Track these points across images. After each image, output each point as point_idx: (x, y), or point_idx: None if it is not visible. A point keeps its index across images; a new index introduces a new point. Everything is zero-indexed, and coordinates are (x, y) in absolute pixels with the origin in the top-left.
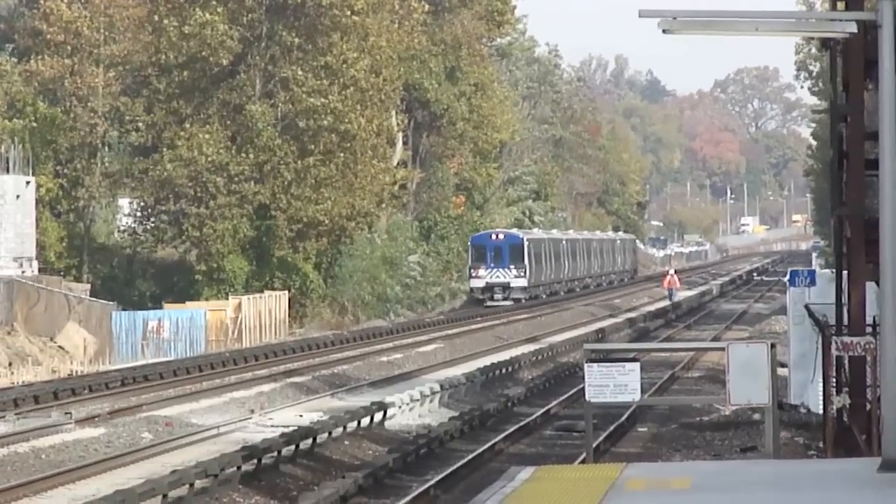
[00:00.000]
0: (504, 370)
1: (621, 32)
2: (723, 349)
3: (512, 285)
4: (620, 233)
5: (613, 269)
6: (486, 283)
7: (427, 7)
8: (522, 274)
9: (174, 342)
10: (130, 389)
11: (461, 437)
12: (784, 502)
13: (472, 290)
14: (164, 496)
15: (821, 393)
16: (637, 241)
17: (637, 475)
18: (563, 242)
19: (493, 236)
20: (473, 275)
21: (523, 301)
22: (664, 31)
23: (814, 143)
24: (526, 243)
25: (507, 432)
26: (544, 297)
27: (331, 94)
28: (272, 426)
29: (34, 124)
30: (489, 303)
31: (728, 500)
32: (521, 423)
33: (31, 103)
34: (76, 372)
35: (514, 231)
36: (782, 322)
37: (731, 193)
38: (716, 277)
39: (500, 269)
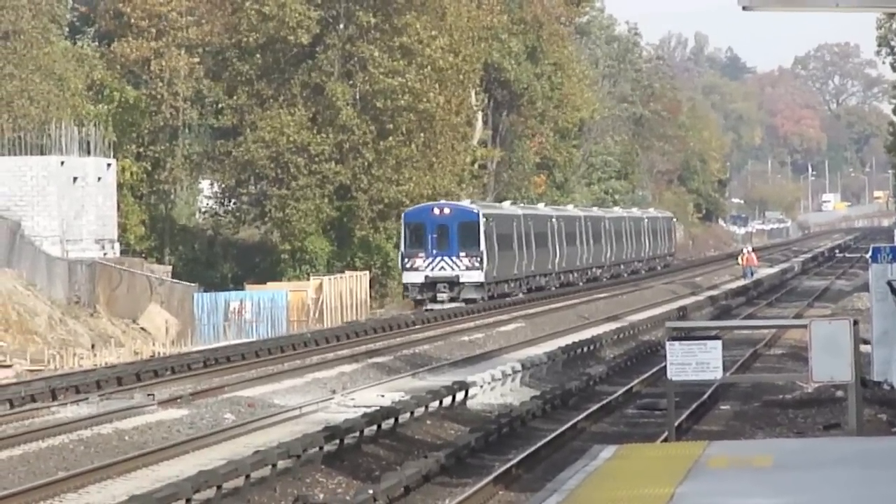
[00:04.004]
0: (585, 349)
1: (701, 9)
2: (805, 326)
3: (462, 280)
4: (651, 209)
5: (639, 255)
6: (426, 276)
7: None
8: (477, 264)
9: (256, 323)
10: (212, 370)
11: (543, 416)
12: (868, 480)
13: (406, 287)
14: (247, 476)
15: None
16: (675, 219)
17: (719, 453)
18: (553, 220)
19: (436, 211)
20: (408, 265)
21: (480, 301)
22: (744, 8)
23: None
24: (482, 220)
25: (588, 411)
26: (521, 294)
27: (408, 73)
28: (354, 406)
29: (120, 109)
30: (430, 305)
31: (811, 478)
32: (603, 402)
33: (118, 87)
34: (158, 353)
35: (466, 204)
36: (865, 299)
37: (813, 170)
38: (797, 254)
39: (446, 258)
